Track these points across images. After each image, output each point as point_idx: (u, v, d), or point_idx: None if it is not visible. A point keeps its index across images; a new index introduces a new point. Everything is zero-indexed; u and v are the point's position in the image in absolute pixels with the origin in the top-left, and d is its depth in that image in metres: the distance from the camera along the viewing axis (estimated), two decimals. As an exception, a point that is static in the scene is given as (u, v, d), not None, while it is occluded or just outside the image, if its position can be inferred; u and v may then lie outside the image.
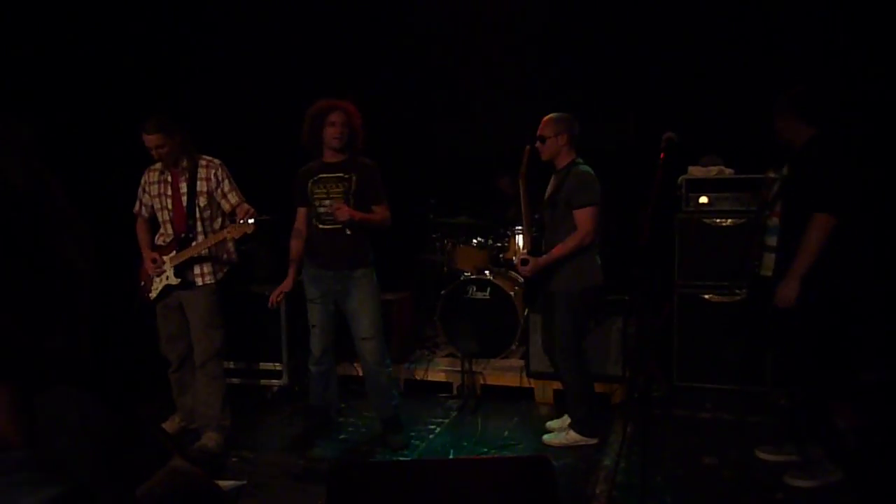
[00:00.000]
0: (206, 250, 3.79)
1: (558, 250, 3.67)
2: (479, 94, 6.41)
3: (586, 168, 3.75)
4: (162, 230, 3.91)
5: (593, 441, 3.87)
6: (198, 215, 3.81)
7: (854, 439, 3.64)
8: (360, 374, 4.79)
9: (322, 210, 3.77)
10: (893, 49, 4.73)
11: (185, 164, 3.82)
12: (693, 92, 5.65)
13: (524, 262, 3.74)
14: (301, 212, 3.90)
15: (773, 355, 3.71)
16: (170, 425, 4.07)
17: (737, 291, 3.70)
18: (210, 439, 3.84)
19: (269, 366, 4.81)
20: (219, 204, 3.86)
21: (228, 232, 3.72)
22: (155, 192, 3.85)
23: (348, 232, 3.72)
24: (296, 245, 3.89)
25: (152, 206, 3.90)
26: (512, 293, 4.99)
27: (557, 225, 3.76)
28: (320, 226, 3.80)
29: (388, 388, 3.94)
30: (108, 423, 1.12)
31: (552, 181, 3.91)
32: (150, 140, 3.69)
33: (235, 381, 4.83)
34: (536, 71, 6.23)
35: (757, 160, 4.80)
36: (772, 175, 3.44)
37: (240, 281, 4.81)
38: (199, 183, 3.82)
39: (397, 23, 6.31)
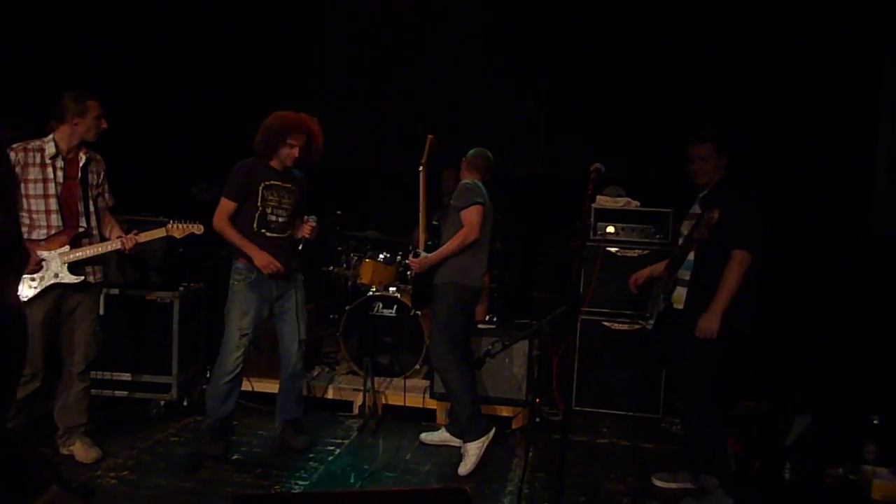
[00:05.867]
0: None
1: (446, 248, 3.87)
2: (388, 108, 6.35)
3: (469, 181, 3.98)
4: (35, 221, 3.41)
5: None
6: (92, 209, 3.55)
7: (735, 465, 3.81)
8: (255, 389, 4.57)
9: (271, 219, 3.76)
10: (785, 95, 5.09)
11: (83, 151, 3.52)
12: (598, 123, 5.85)
13: (416, 254, 4.00)
14: (231, 206, 3.71)
15: (675, 384, 3.81)
16: None
17: (642, 322, 3.81)
18: (87, 446, 3.65)
19: (155, 378, 4.47)
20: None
21: (170, 230, 3.64)
22: (33, 175, 3.39)
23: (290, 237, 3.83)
24: (233, 230, 3.72)
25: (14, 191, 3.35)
26: (419, 312, 4.91)
27: (449, 230, 3.94)
28: (267, 233, 3.75)
29: (301, 393, 4.07)
30: None
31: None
32: (98, 108, 3.45)
33: (119, 394, 4.47)
34: (449, 91, 6.24)
35: (655, 193, 5.03)
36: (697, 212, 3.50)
37: (133, 288, 4.48)
38: (90, 175, 3.56)
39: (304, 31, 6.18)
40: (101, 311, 4.42)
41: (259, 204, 3.73)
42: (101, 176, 3.64)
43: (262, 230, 3.74)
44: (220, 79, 5.93)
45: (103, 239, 3.62)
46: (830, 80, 5.04)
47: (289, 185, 3.81)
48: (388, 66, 6.23)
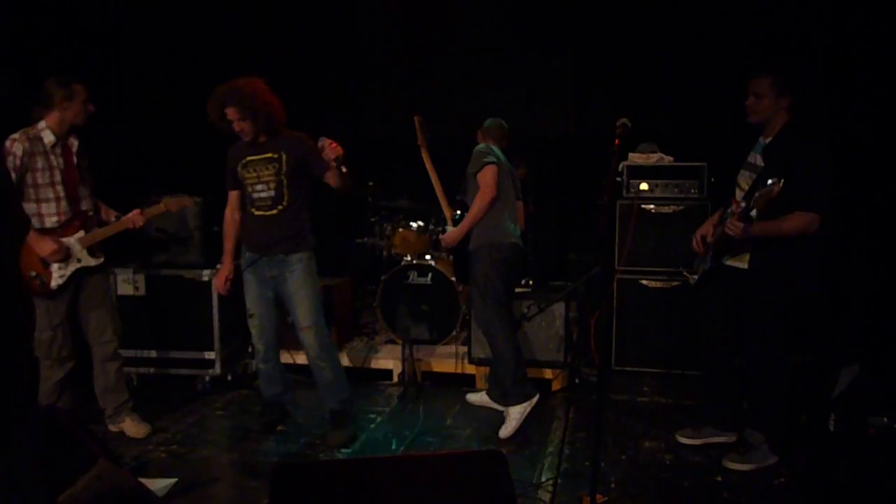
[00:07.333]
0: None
1: (469, 215, 3.90)
2: (417, 74, 6.29)
3: (482, 145, 4.02)
4: (44, 210, 3.45)
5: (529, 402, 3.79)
6: (88, 193, 3.63)
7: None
8: (297, 362, 4.65)
9: (255, 196, 3.63)
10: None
11: (73, 137, 3.55)
12: (629, 80, 5.70)
13: (445, 231, 4.08)
14: (233, 195, 3.76)
15: (712, 343, 3.69)
16: None
17: (689, 276, 3.71)
18: (137, 422, 3.79)
19: (199, 354, 4.58)
20: None
21: (167, 204, 3.72)
22: (40, 164, 3.41)
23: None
24: (230, 229, 3.78)
25: (23, 181, 3.40)
26: (454, 278, 4.92)
27: (472, 197, 3.93)
28: (255, 212, 3.65)
29: (333, 381, 3.73)
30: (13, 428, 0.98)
31: None
32: (84, 91, 3.46)
33: (165, 371, 4.60)
34: (475, 56, 6.14)
35: (690, 148, 4.89)
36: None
37: (170, 266, 4.58)
38: (81, 160, 3.61)
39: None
40: (143, 292, 4.55)
41: (243, 184, 3.65)
42: (87, 160, 3.66)
43: (252, 209, 3.64)
44: (259, 57, 5.91)
45: (100, 221, 3.70)
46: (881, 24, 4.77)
47: (269, 155, 3.56)
48: (416, 33, 6.15)
